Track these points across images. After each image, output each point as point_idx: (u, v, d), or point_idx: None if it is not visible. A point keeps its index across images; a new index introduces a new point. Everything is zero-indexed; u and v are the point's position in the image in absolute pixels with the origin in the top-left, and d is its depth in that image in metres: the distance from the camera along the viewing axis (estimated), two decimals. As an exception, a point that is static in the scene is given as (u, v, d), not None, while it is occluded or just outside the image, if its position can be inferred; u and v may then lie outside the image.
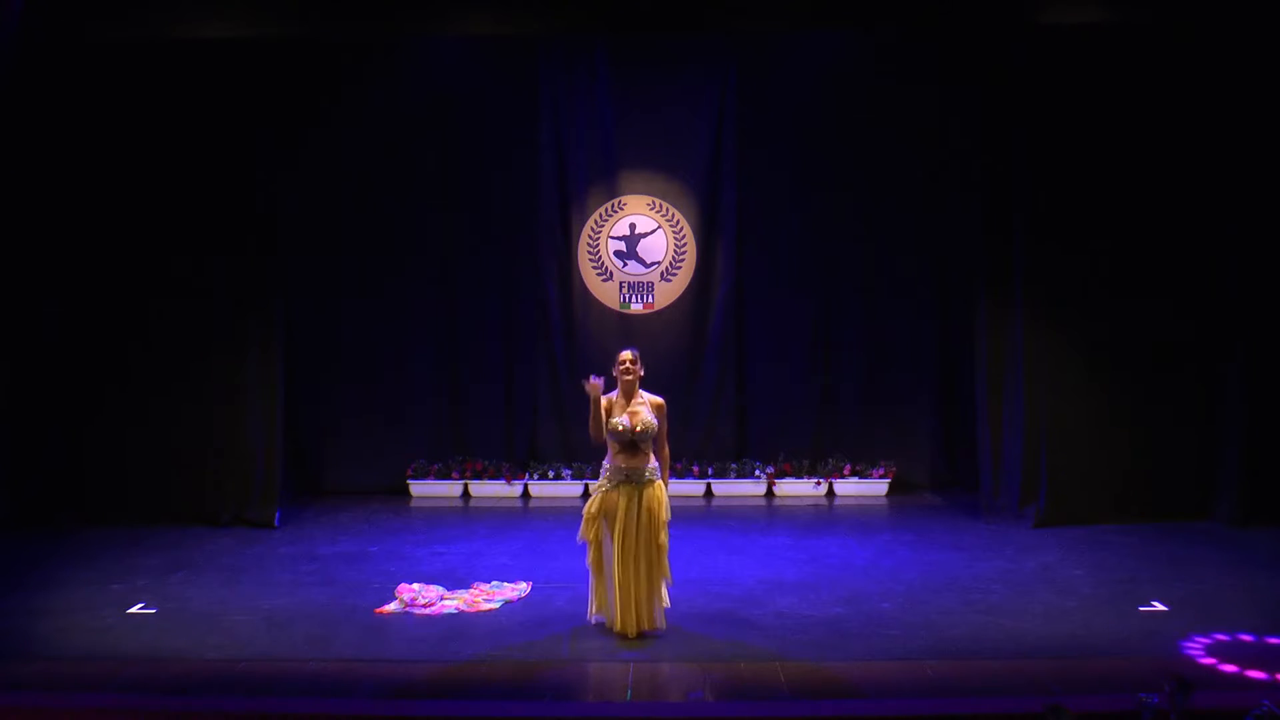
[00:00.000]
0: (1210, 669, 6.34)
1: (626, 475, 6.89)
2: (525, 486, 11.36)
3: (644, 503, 6.88)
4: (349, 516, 10.46)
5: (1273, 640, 6.77)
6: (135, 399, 10.19)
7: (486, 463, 11.42)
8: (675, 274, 11.63)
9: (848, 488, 11.30)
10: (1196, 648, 6.68)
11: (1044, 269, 9.91)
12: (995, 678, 6.27)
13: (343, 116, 11.20)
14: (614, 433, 6.88)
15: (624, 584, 6.85)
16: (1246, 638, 6.84)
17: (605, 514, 6.88)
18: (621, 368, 6.97)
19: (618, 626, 6.91)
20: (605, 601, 7.00)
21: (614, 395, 7.01)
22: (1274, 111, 9.57)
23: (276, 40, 9.84)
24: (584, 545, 7.11)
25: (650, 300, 11.63)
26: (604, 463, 7.04)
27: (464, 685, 6.24)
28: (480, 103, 11.36)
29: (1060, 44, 9.67)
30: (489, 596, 7.81)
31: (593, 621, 7.13)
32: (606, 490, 6.91)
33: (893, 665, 6.49)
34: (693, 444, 11.42)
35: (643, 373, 7.03)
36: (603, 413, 6.92)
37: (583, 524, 7.02)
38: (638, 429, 6.87)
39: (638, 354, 7.05)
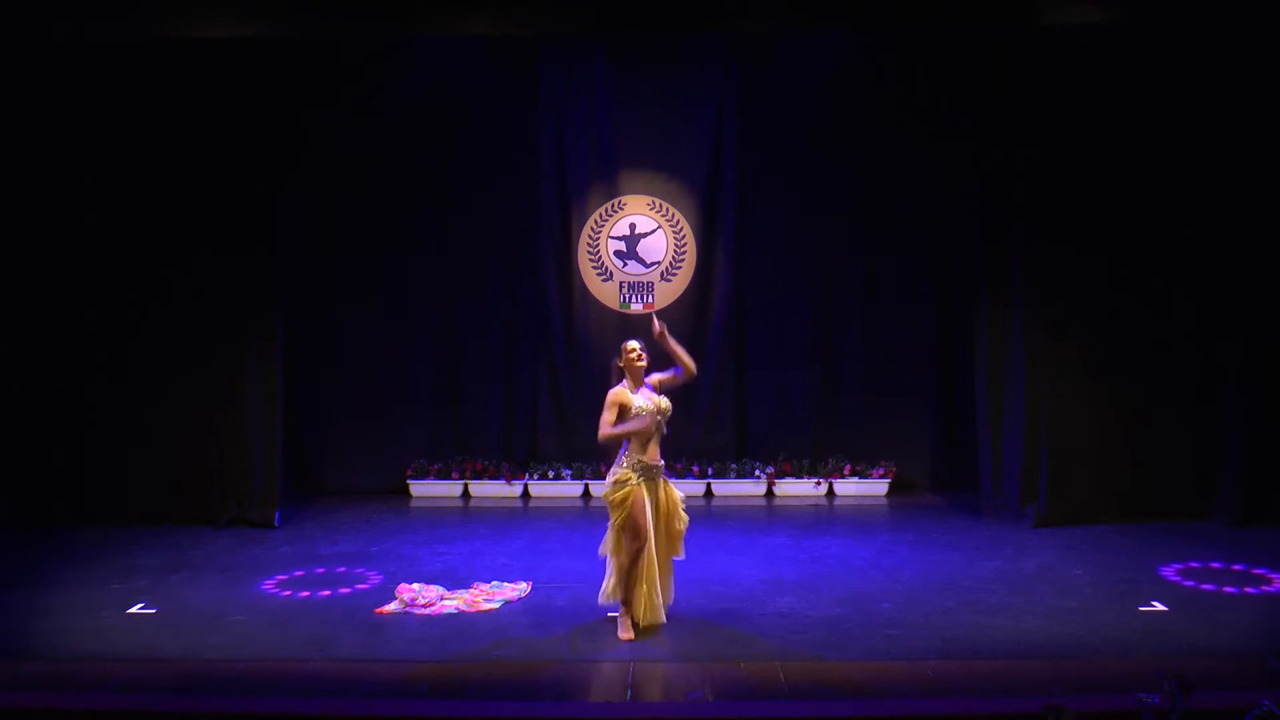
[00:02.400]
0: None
1: (648, 471, 6.95)
2: (525, 486, 11.36)
3: (662, 495, 7.03)
4: (349, 516, 10.46)
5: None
6: (135, 399, 10.19)
7: (486, 463, 11.42)
8: (675, 274, 11.63)
9: (848, 488, 11.30)
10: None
11: (1044, 269, 9.92)
12: (995, 678, 6.27)
13: (342, 117, 11.21)
14: (643, 415, 6.90)
15: (650, 578, 6.92)
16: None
17: (636, 509, 6.86)
18: (632, 356, 7.01)
19: (648, 618, 6.93)
20: (630, 591, 6.94)
21: (623, 386, 7.04)
22: (1274, 110, 9.57)
23: (276, 40, 9.83)
24: (596, 540, 7.15)
25: (650, 300, 11.63)
26: (620, 456, 7.00)
27: (464, 685, 6.24)
28: (480, 103, 11.36)
29: (1060, 44, 9.67)
30: (489, 596, 7.81)
31: (606, 606, 7.12)
32: (635, 484, 6.90)
33: (893, 665, 6.49)
34: (693, 444, 11.42)
35: (647, 361, 7.06)
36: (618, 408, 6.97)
37: (617, 513, 6.91)
38: (662, 409, 6.96)
39: (642, 343, 7.11)
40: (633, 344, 7.08)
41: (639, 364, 7.02)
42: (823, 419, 11.62)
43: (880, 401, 11.56)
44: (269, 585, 8.20)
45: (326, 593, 8.03)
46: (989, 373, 10.34)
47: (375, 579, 8.34)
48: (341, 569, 8.64)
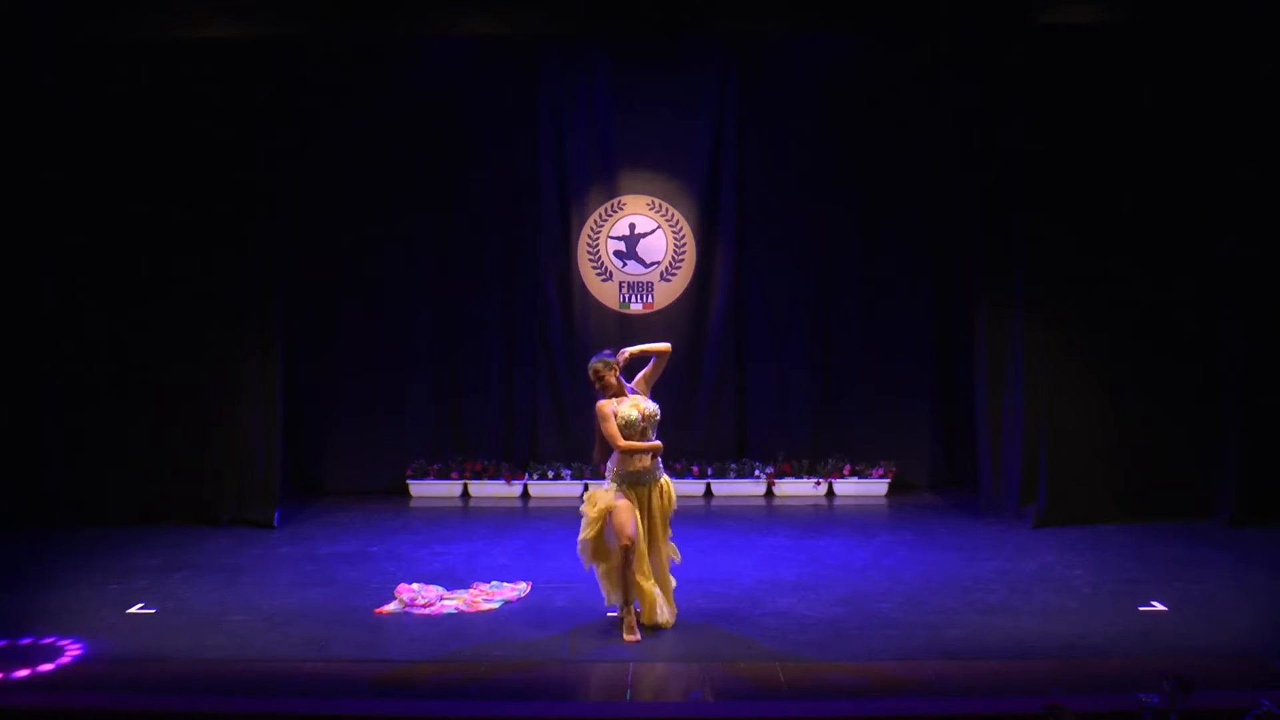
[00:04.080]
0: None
1: (637, 478, 6.94)
2: (525, 486, 11.36)
3: (656, 496, 6.99)
4: (349, 516, 10.46)
5: None
6: (135, 399, 10.17)
7: (486, 463, 11.42)
8: (675, 274, 11.63)
9: (847, 488, 11.30)
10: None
11: (1044, 268, 9.91)
12: (995, 678, 6.27)
13: (342, 116, 11.21)
14: (627, 425, 6.86)
15: (644, 571, 6.91)
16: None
17: (620, 515, 6.84)
18: (608, 380, 6.94)
19: (649, 618, 6.97)
20: (628, 592, 6.94)
21: (604, 400, 7.00)
22: (1275, 110, 9.57)
23: (276, 41, 9.83)
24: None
25: (650, 300, 11.63)
26: (610, 467, 7.00)
27: (464, 685, 6.24)
28: (480, 103, 11.36)
29: (1060, 43, 9.68)
30: (489, 596, 7.81)
31: (609, 606, 7.18)
32: (614, 500, 6.90)
33: (893, 665, 6.49)
34: (693, 444, 11.42)
35: (619, 373, 7.01)
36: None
37: (588, 528, 6.95)
38: (646, 415, 6.92)
39: (607, 358, 6.99)
40: (596, 364, 6.95)
41: (611, 380, 6.95)
42: (822, 419, 11.61)
43: (880, 401, 11.56)
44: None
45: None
46: (989, 372, 10.34)
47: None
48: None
